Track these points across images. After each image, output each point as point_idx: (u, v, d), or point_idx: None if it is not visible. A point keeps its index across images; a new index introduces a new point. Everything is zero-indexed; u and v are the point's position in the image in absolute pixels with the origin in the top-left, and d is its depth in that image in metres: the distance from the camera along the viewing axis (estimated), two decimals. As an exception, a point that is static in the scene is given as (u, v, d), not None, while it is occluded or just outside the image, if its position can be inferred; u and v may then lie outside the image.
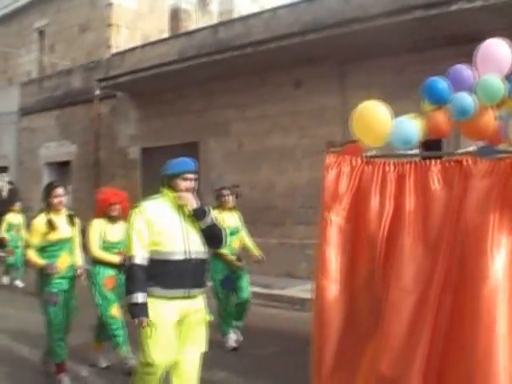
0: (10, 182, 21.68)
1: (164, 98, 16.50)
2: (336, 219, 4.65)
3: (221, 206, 7.62)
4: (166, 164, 4.74)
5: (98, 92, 18.27)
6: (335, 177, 4.70)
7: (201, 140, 15.55)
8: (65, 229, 6.17)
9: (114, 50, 18.72)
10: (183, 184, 4.60)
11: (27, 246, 6.14)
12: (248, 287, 7.76)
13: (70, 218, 6.32)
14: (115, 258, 6.51)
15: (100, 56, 18.95)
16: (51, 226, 6.01)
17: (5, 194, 21.64)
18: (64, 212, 6.25)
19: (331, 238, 4.60)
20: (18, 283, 13.23)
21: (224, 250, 7.20)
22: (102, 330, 6.65)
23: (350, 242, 4.59)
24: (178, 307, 4.40)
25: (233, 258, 7.57)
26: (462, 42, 10.79)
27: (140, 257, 4.37)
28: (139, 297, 4.27)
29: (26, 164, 22.27)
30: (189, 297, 4.46)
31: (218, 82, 14.89)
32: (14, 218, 13.75)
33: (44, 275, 6.00)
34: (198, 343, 4.57)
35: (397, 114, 12.49)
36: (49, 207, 6.12)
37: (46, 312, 6.05)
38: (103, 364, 6.69)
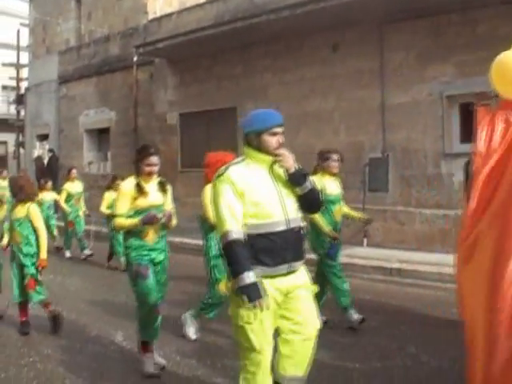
0: (51, 150, 22.22)
1: (202, 63, 16.71)
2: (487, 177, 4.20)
3: (325, 170, 7.08)
4: (246, 119, 4.04)
5: (135, 58, 18.47)
6: (488, 133, 4.22)
7: (239, 105, 15.74)
8: (155, 195, 5.72)
9: (150, 16, 18.90)
10: (273, 140, 3.91)
11: (113, 215, 5.80)
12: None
13: (162, 184, 5.86)
14: None
15: (137, 22, 19.17)
16: (140, 190, 5.59)
17: (45, 161, 22.20)
18: (155, 178, 5.78)
19: (482, 194, 4.18)
20: (87, 252, 12.87)
21: (321, 219, 6.88)
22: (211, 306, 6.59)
23: (501, 201, 4.13)
24: (280, 285, 3.89)
25: (330, 228, 6.99)
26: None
27: (236, 231, 3.77)
28: (249, 276, 3.67)
29: (65, 132, 22.79)
30: (292, 271, 3.94)
31: (255, 47, 15.05)
32: (73, 186, 13.34)
33: (133, 246, 5.64)
34: (311, 321, 4.00)
35: (435, 76, 12.69)
36: (139, 172, 5.67)
37: (135, 286, 5.65)
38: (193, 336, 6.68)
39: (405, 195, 12.45)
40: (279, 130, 3.92)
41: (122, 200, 5.63)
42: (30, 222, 7.16)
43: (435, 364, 5.79)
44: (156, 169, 5.68)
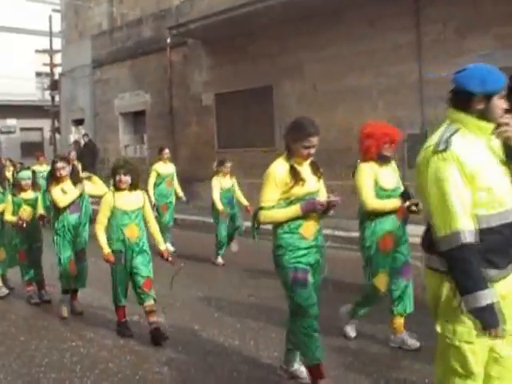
0: (86, 135, 22.69)
1: (236, 42, 16.91)
2: None
3: None
4: (473, 75, 3.18)
5: (169, 40, 18.79)
6: None
7: (275, 84, 15.96)
8: (312, 181, 4.78)
9: (183, -3, 19.10)
10: (502, 104, 3.18)
11: (261, 208, 4.70)
12: None
13: (314, 166, 4.88)
14: (396, 203, 5.58)
15: (169, 4, 19.38)
16: (296, 175, 4.66)
17: (82, 146, 22.69)
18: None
19: None
20: (169, 246, 10.77)
21: None
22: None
23: None
24: (503, 290, 3.11)
25: None
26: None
27: (470, 232, 3.00)
28: (485, 296, 2.93)
29: (101, 115, 23.26)
30: None
31: (290, 24, 15.17)
32: (165, 167, 11.96)
33: (289, 245, 4.69)
34: None
35: (474, 49, 12.74)
36: (292, 153, 4.75)
37: (292, 295, 4.72)
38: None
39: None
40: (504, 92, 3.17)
41: (271, 187, 4.65)
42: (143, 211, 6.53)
43: None
44: (313, 151, 4.70)
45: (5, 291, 8.55)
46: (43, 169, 14.95)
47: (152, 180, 11.56)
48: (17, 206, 8.03)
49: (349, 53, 14.10)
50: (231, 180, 10.42)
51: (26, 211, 7.92)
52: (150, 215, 6.65)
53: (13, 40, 33.28)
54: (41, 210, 8.18)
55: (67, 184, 7.38)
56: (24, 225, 7.81)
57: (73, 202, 7.36)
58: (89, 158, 21.09)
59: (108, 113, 22.75)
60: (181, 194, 12.22)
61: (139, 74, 21.00)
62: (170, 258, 6.50)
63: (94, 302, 7.83)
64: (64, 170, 7.33)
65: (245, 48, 16.68)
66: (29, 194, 8.14)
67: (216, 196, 10.13)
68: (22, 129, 34.71)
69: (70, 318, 7.36)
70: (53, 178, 7.38)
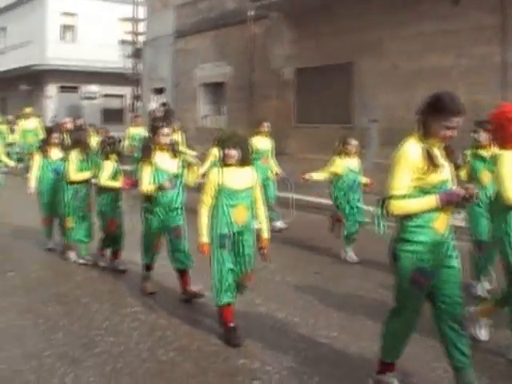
0: (164, 104, 23.27)
1: (318, 16, 17.06)
2: None
3: None
4: None
5: (251, 13, 19.08)
6: None
7: (355, 61, 16.11)
8: (446, 167, 4.25)
9: (266, -30, 19.30)
10: None
11: (391, 196, 4.10)
12: None
13: (448, 149, 4.37)
14: None
15: (253, -24, 19.61)
16: (433, 160, 4.08)
17: (160, 115, 23.28)
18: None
19: None
20: (280, 225, 10.99)
21: None
22: None
23: None
24: None
25: None
26: None
27: None
28: None
29: (181, 85, 23.90)
30: None
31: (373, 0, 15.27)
32: (262, 142, 11.16)
33: (417, 240, 4.11)
34: None
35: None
36: (428, 133, 4.16)
37: (403, 300, 4.31)
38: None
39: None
40: None
41: (403, 172, 4.05)
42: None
43: None
44: (455, 133, 4.15)
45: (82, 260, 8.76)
46: (138, 131, 15.52)
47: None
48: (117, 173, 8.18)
49: (430, 31, 14.11)
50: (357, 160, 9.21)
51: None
52: (259, 196, 5.85)
53: (98, 8, 34.38)
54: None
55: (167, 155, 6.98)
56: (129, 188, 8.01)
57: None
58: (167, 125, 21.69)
59: (188, 83, 23.34)
60: (279, 170, 11.50)
61: (221, 45, 21.45)
62: (266, 252, 5.82)
63: (159, 269, 7.44)
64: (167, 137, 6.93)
65: (327, 22, 16.82)
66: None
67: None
68: (104, 95, 35.85)
69: (135, 284, 7.48)
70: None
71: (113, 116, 33.94)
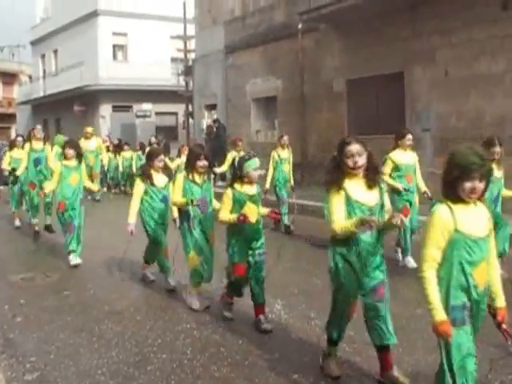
0: (215, 121, 23.86)
1: (367, 27, 17.35)
2: None
3: None
4: None
5: (300, 26, 19.50)
6: None
7: (406, 70, 16.31)
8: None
9: (314, -18, 19.62)
10: None
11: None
12: None
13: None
14: None
15: (301, -11, 19.97)
16: None
17: (214, 130, 23.85)
18: None
19: None
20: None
21: None
22: None
23: None
24: None
25: None
26: None
27: None
28: None
29: (233, 101, 24.42)
30: None
31: (423, 7, 15.50)
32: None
33: None
34: None
35: None
36: None
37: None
38: None
39: None
40: None
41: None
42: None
43: None
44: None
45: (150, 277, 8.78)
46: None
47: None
48: (238, 204, 6.37)
49: (481, 37, 14.21)
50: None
51: (251, 209, 6.32)
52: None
53: (150, 27, 35.53)
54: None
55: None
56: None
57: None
58: (219, 142, 22.31)
59: (240, 98, 23.86)
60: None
61: (271, 59, 21.90)
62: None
63: (213, 283, 7.68)
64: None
65: (376, 32, 17.07)
66: (253, 189, 6.51)
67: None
68: (157, 113, 36.67)
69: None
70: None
71: (167, 133, 34.73)
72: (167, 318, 7.09)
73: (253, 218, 6.26)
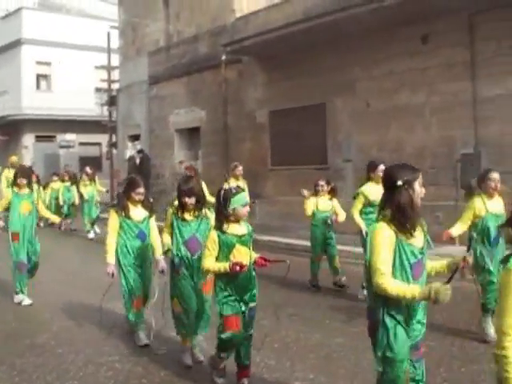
0: (140, 151, 23.26)
1: (290, 59, 17.17)
2: None
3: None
4: None
5: (224, 57, 19.19)
6: None
7: (327, 101, 16.15)
8: None
9: (238, 14, 19.44)
10: None
11: None
12: None
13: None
14: None
15: (224, 21, 19.80)
16: None
17: (137, 161, 23.22)
18: None
19: None
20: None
21: None
22: None
23: None
24: None
25: None
26: None
27: None
28: None
29: (156, 131, 23.83)
30: None
31: (344, 41, 15.35)
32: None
33: None
34: None
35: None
36: None
37: None
38: None
39: (499, 193, 12.44)
40: None
41: None
42: None
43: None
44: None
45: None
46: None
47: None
48: (225, 247, 5.34)
49: (401, 70, 14.23)
50: None
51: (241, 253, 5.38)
52: None
53: (73, 56, 34.55)
54: None
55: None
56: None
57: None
58: (144, 172, 21.62)
59: (164, 129, 23.29)
60: None
61: (194, 90, 21.46)
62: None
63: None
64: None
65: (298, 65, 16.93)
66: (242, 229, 5.48)
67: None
68: (81, 143, 35.71)
69: (111, 332, 7.33)
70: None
71: (90, 164, 33.78)
72: (89, 350, 6.84)
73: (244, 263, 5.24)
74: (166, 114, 23.06)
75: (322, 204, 9.85)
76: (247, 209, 5.39)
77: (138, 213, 7.09)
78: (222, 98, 19.97)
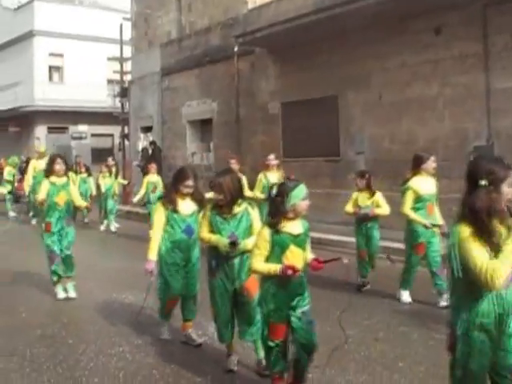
0: (152, 143, 23.29)
1: (302, 51, 17.08)
2: None
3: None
4: None
5: (236, 49, 19.13)
6: None
7: (340, 93, 16.09)
8: None
9: (250, 6, 19.36)
10: None
11: None
12: None
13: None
14: None
15: (237, 13, 19.73)
16: None
17: (150, 152, 23.28)
18: None
19: None
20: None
21: None
22: None
23: None
24: None
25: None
26: None
27: None
28: None
29: (168, 123, 23.84)
30: None
31: (355, 33, 15.24)
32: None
33: None
34: None
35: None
36: None
37: None
38: None
39: None
40: None
41: None
42: None
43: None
44: None
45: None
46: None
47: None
48: (278, 247, 4.79)
49: (414, 62, 14.13)
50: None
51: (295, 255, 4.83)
52: None
53: (86, 48, 34.68)
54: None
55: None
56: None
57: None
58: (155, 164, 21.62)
59: (175, 120, 23.30)
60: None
61: (206, 82, 21.44)
62: None
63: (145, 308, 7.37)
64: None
65: (311, 57, 16.85)
66: (297, 227, 4.92)
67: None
68: (93, 135, 35.83)
69: (122, 323, 7.44)
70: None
71: (102, 155, 33.88)
72: (100, 341, 6.84)
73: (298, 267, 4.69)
74: (178, 105, 23.05)
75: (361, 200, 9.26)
76: (307, 202, 4.80)
77: (186, 206, 6.59)
78: (234, 89, 19.93)
